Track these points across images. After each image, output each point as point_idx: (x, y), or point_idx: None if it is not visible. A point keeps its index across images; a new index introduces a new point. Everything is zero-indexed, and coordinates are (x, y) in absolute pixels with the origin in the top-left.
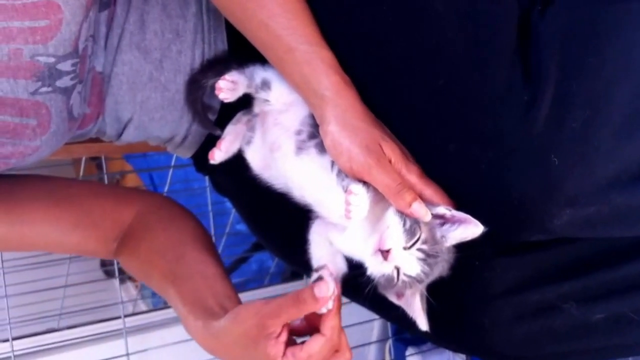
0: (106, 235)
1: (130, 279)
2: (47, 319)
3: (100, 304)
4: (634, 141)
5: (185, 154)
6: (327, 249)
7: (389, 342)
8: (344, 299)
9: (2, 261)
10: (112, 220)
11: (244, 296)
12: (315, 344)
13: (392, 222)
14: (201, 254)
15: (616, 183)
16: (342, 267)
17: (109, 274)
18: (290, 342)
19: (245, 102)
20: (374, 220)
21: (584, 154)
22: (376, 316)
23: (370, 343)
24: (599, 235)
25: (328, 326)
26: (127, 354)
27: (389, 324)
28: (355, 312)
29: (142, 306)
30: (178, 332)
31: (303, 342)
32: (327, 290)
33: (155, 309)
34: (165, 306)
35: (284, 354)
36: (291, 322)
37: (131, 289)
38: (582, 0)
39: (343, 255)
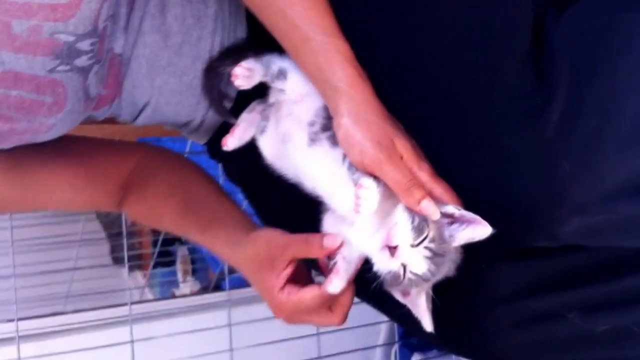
0: (113, 188)
1: (139, 267)
2: (54, 302)
3: (108, 290)
4: None
5: (200, 140)
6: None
7: (395, 347)
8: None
9: (12, 241)
10: (117, 172)
11: (248, 290)
12: (307, 294)
13: (401, 219)
14: (209, 186)
15: (624, 192)
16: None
17: (118, 261)
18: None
19: (261, 92)
20: (383, 216)
21: (594, 162)
22: (384, 319)
23: (376, 346)
24: (606, 244)
25: (328, 285)
26: (132, 341)
27: (396, 328)
28: (363, 313)
29: (149, 295)
30: (184, 322)
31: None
32: (333, 243)
33: (162, 298)
34: (172, 296)
35: (283, 287)
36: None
37: (139, 278)
38: (596, 7)
39: None
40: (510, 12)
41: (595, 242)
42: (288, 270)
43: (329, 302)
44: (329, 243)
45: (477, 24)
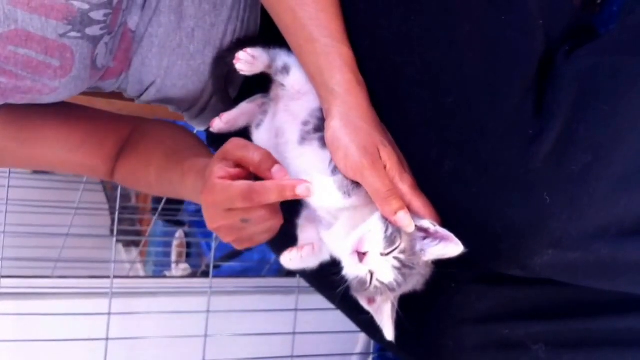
0: (108, 153)
1: (136, 244)
2: (44, 265)
3: (93, 260)
4: (632, 196)
5: (201, 126)
6: (314, 234)
7: (370, 358)
8: (330, 305)
9: (7, 200)
10: (113, 138)
11: (240, 282)
12: (238, 182)
13: (375, 227)
14: (200, 142)
15: (604, 234)
16: (325, 252)
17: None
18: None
19: (268, 89)
20: (360, 222)
21: (577, 198)
22: None
23: (352, 354)
24: (579, 283)
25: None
26: (109, 314)
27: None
28: (344, 320)
29: (141, 272)
30: (164, 303)
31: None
32: (307, 193)
33: (147, 276)
34: (159, 277)
35: (222, 177)
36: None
37: (134, 254)
38: (612, 48)
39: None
40: (523, 40)
41: (567, 279)
42: (235, 171)
43: (254, 200)
44: (303, 192)
45: (486, 46)
